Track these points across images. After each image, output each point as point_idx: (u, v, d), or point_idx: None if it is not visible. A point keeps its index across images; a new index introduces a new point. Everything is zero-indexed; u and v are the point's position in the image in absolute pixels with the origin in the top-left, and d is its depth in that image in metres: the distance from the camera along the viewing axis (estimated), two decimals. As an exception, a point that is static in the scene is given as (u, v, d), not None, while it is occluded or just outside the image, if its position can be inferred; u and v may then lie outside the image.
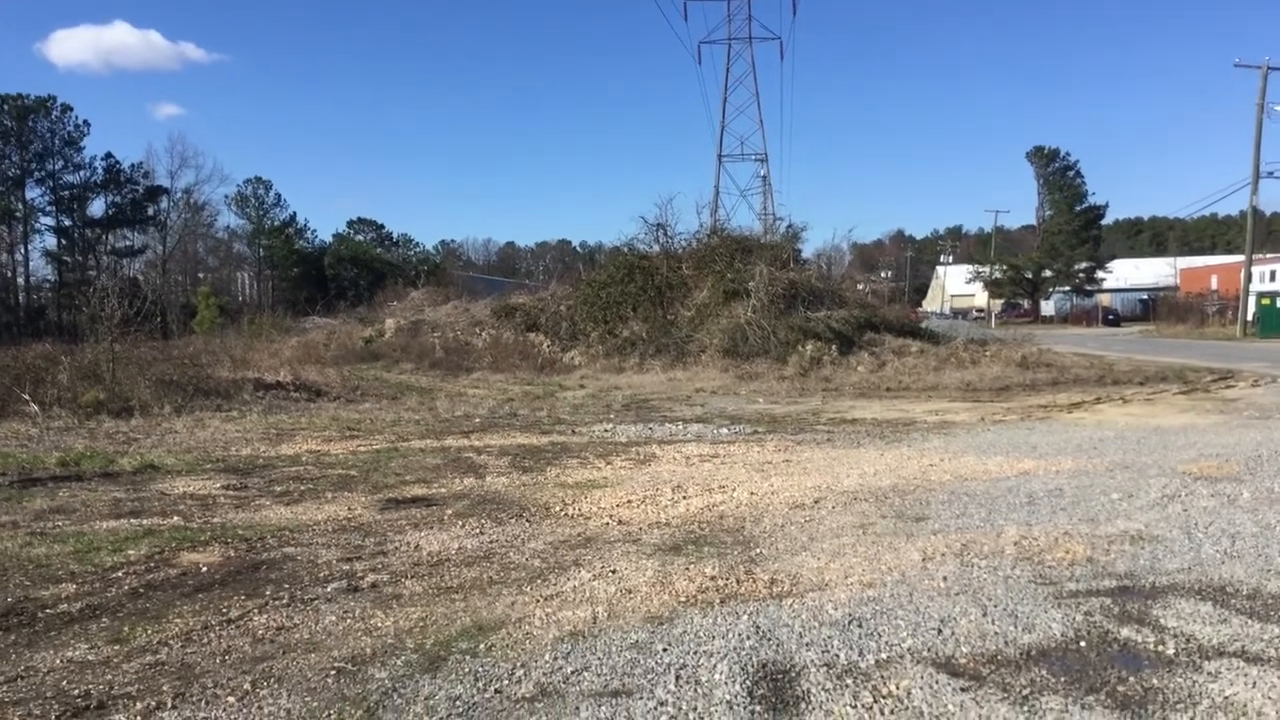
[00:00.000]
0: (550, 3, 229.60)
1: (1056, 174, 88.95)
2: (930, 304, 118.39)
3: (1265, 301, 46.92)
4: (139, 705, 4.09)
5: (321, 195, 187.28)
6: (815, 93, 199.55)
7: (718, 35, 76.92)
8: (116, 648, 4.82)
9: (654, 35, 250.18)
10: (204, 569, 6.34)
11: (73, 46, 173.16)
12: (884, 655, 4.63)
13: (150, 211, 77.66)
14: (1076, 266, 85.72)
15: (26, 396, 15.05)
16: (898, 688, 4.22)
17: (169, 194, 77.92)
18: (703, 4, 74.54)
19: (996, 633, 4.91)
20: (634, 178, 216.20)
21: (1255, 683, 4.21)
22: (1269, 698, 4.06)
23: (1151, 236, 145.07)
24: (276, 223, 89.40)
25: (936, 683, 4.26)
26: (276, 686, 4.32)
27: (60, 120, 71.74)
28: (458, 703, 4.14)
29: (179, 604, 5.58)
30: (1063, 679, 4.30)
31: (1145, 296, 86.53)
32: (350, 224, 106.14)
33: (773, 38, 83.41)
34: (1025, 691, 4.16)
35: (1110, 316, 79.40)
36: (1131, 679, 4.29)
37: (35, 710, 4.04)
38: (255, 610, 5.45)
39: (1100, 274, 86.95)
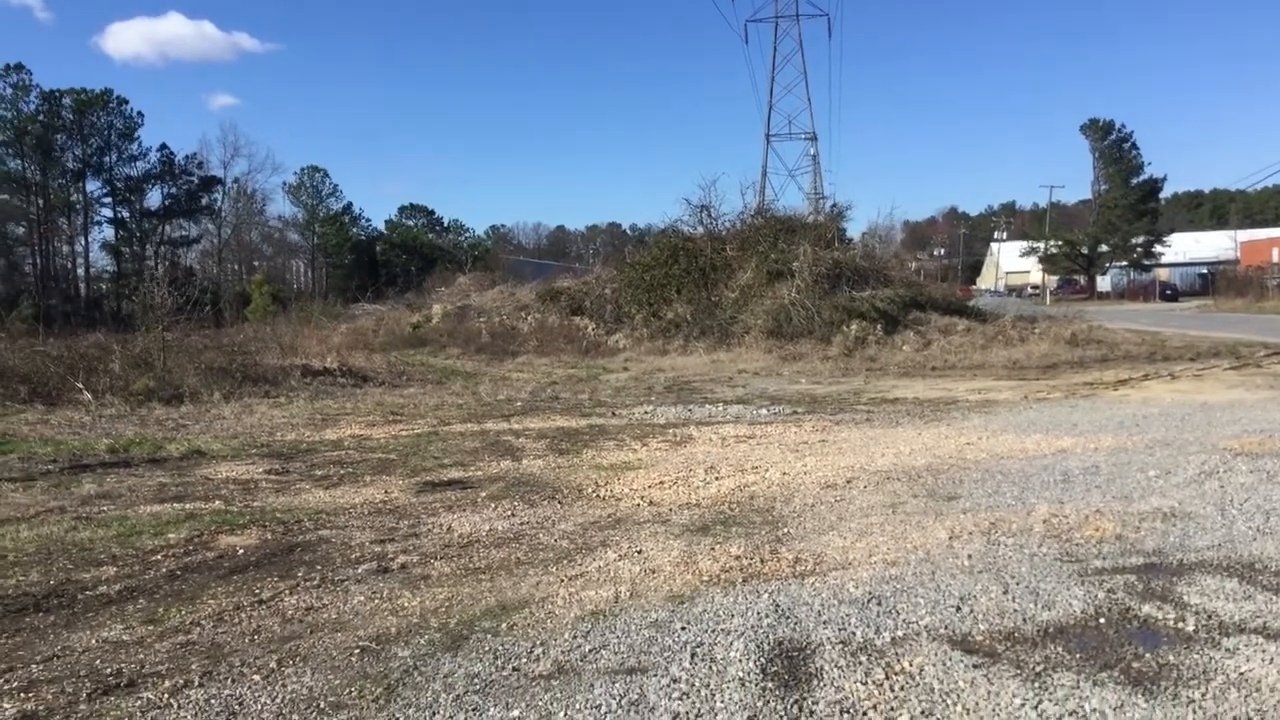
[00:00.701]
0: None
1: (1112, 147, 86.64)
2: (984, 281, 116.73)
3: (1328, 274, 45.75)
4: (167, 683, 4.22)
5: (373, 181, 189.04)
6: (864, 69, 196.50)
7: (764, 13, 76.25)
8: (150, 628, 4.97)
9: (700, 14, 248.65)
10: (241, 551, 6.50)
11: (128, 39, 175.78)
12: (900, 633, 4.64)
13: (204, 202, 79.05)
14: (1133, 241, 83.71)
15: (80, 385, 15.45)
16: (910, 664, 4.23)
17: (223, 184, 79.31)
18: (748, -18, 73.83)
19: (1015, 610, 4.89)
20: (683, 159, 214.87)
21: (1273, 659, 4.16)
22: (1285, 674, 4.02)
23: (1212, 209, 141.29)
24: (331, 211, 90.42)
25: (949, 659, 4.27)
26: (301, 665, 4.44)
27: (117, 112, 73.19)
28: (475, 680, 4.22)
29: (214, 585, 5.74)
30: (1077, 656, 4.29)
31: (1204, 271, 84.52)
32: (402, 210, 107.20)
33: (820, 14, 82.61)
34: (1038, 668, 4.15)
35: (1168, 291, 77.69)
36: (1147, 655, 4.27)
37: (68, 688, 4.19)
38: (287, 591, 5.59)
39: (1158, 248, 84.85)
